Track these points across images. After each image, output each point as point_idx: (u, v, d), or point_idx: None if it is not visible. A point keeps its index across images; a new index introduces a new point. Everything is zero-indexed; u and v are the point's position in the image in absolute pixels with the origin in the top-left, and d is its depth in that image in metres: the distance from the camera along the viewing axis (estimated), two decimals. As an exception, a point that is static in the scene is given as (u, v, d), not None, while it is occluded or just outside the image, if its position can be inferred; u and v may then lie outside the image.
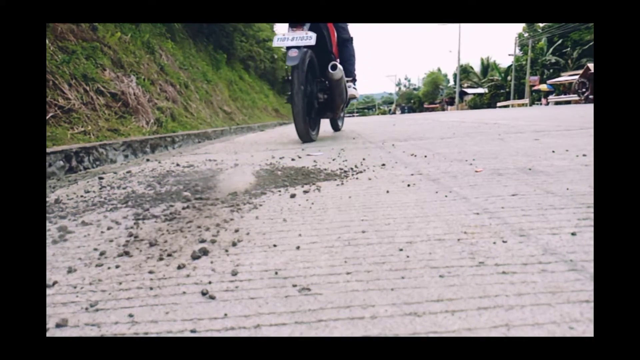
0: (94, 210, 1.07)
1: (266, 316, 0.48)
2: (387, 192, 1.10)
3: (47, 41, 2.80)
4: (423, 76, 49.31)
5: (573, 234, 0.68)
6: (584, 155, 1.54)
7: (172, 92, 4.55)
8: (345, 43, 3.48)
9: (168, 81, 4.69)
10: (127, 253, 0.71)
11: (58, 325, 0.48)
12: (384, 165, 1.62)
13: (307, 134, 2.89)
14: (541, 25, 30.91)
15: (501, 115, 7.45)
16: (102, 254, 0.72)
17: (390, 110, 52.53)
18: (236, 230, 0.82)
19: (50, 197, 1.26)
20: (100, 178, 1.65)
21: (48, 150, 1.80)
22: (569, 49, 28.91)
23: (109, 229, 0.88)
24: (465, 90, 36.20)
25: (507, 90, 32.73)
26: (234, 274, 0.60)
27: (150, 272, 0.63)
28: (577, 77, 20.53)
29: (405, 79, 74.30)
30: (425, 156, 1.81)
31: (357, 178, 1.35)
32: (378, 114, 50.50)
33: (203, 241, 0.76)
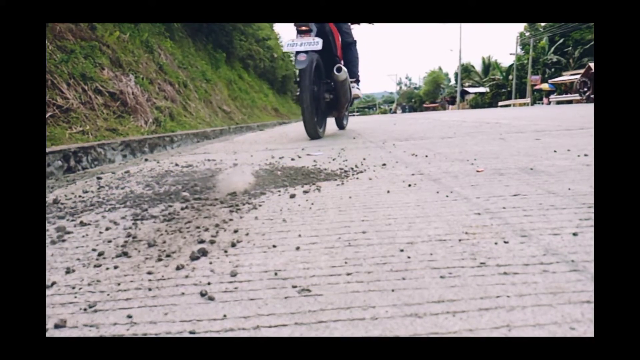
0: (92, 210, 1.07)
1: (266, 317, 0.48)
2: (388, 192, 1.10)
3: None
4: (424, 75, 49.38)
5: (574, 234, 0.68)
6: (586, 155, 1.54)
7: (170, 92, 4.54)
8: (349, 46, 3.62)
9: (167, 80, 4.68)
10: (125, 254, 0.71)
11: (57, 326, 0.48)
12: (384, 165, 1.62)
13: (315, 131, 3.13)
14: (542, 24, 30.88)
15: (502, 114, 7.45)
16: (100, 254, 0.71)
17: (391, 109, 52.47)
18: (235, 231, 0.81)
19: (49, 197, 1.26)
20: (99, 178, 1.65)
21: (46, 150, 1.79)
22: (570, 48, 28.88)
23: (107, 229, 0.87)
24: (466, 89, 36.15)
25: (509, 89, 32.72)
26: (233, 274, 0.60)
27: (149, 272, 0.62)
28: (578, 76, 20.48)
29: (406, 78, 74.24)
30: (426, 156, 1.80)
31: (357, 178, 1.35)
32: (379, 113, 50.50)
33: (202, 242, 0.75)
